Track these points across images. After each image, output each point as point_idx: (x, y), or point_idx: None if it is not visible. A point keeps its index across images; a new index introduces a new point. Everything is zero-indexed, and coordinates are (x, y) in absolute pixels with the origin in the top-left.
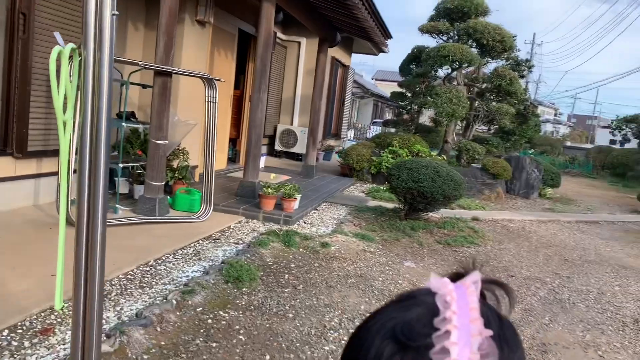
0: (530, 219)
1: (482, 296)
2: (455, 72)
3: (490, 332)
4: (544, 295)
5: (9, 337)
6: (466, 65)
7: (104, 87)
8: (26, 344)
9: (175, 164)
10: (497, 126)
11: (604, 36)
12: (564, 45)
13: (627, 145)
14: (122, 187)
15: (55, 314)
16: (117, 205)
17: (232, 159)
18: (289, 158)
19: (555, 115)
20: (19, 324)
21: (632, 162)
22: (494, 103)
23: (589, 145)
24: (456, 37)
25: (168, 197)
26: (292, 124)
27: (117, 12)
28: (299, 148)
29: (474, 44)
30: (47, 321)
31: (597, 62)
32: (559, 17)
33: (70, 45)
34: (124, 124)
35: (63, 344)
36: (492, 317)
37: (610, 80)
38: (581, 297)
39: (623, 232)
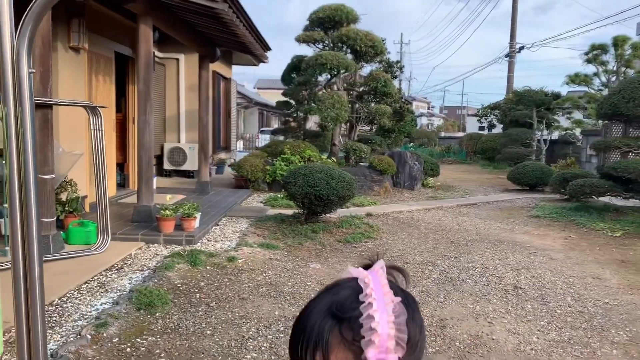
0: (417, 209)
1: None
2: (334, 78)
3: (399, 299)
4: (437, 277)
5: None
6: (343, 71)
7: (28, 139)
8: None
9: (63, 197)
10: (377, 125)
11: (463, 31)
12: (430, 42)
13: (494, 131)
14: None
15: None
16: (6, 248)
17: (122, 184)
18: (180, 176)
19: (429, 108)
20: None
21: (499, 146)
22: (372, 104)
23: (461, 134)
24: (331, 44)
25: (61, 232)
26: (179, 142)
27: (33, 70)
28: (190, 165)
29: (349, 50)
30: None
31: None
32: (422, 15)
33: None
34: (4, 162)
35: None
36: (397, 290)
37: (473, 72)
38: (468, 273)
39: (498, 210)
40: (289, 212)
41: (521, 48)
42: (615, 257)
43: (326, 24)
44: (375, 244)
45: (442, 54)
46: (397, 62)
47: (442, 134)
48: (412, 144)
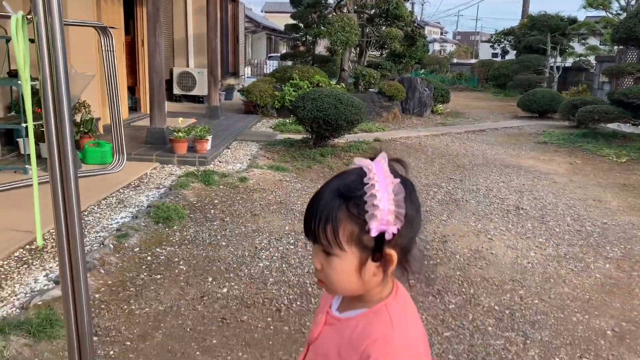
0: (425, 134)
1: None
2: (344, 0)
3: (398, 180)
4: (441, 198)
5: None
6: None
7: (58, 46)
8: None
9: (77, 118)
10: (388, 50)
11: None
12: None
13: (507, 57)
14: (28, 147)
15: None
16: (26, 166)
17: (133, 107)
18: (190, 101)
19: (441, 34)
20: None
21: (512, 72)
22: (383, 28)
23: (473, 61)
24: None
25: (78, 152)
26: (188, 66)
27: None
28: (199, 90)
29: None
30: None
31: None
32: None
33: (21, 12)
34: (19, 82)
35: (15, 296)
36: (397, 174)
37: None
38: (472, 195)
39: (506, 136)
40: (298, 137)
41: None
42: (618, 182)
43: None
44: None
45: None
46: None
47: (455, 61)
48: (423, 70)
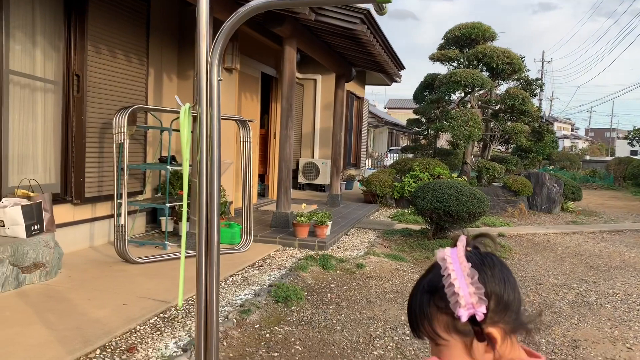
0: (555, 232)
1: (476, 247)
2: (468, 96)
3: (469, 264)
4: (572, 299)
5: (101, 356)
6: (478, 88)
7: (215, 134)
8: (117, 359)
9: None
10: (514, 145)
11: (613, 49)
12: (574, 61)
13: None
14: (169, 225)
15: (135, 335)
16: (165, 242)
17: (262, 193)
18: (312, 189)
19: (572, 130)
20: (107, 344)
21: None
22: (509, 123)
23: (608, 158)
24: (466, 62)
25: None
26: (313, 157)
27: (221, 79)
28: (322, 179)
29: (484, 68)
30: (129, 341)
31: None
32: (566, 34)
33: (188, 104)
34: (168, 167)
35: (148, 359)
36: (474, 256)
37: (624, 92)
38: (608, 299)
39: None
40: (416, 227)
41: None
42: None
43: (461, 42)
44: (507, 263)
45: (588, 73)
46: (537, 79)
47: (587, 157)
48: (552, 166)
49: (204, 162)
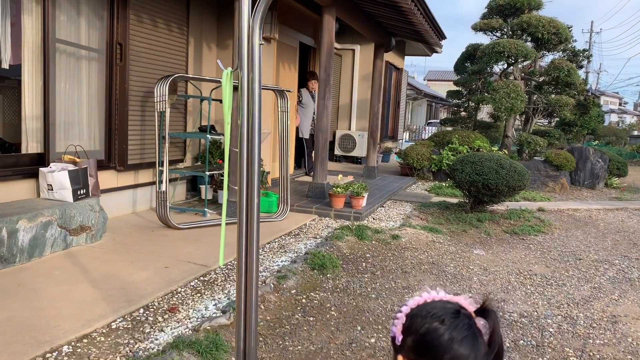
0: (597, 208)
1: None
2: (511, 67)
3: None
4: (613, 275)
5: (144, 315)
6: (522, 59)
7: (255, 98)
8: (159, 319)
9: None
10: (557, 118)
11: None
12: (625, 32)
13: None
14: (208, 193)
15: (176, 296)
16: (205, 209)
17: (298, 164)
18: (348, 162)
19: (620, 105)
20: (149, 304)
21: None
22: (552, 95)
23: None
24: (510, 32)
25: None
26: (349, 129)
27: (263, 42)
28: (358, 151)
29: (529, 38)
30: (170, 302)
31: None
32: (617, 2)
33: (229, 69)
34: (208, 136)
35: (188, 319)
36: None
37: None
38: None
39: None
40: (454, 200)
41: None
42: None
43: (506, 11)
44: (546, 238)
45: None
46: (584, 50)
47: (635, 133)
48: (596, 141)
49: (245, 127)
